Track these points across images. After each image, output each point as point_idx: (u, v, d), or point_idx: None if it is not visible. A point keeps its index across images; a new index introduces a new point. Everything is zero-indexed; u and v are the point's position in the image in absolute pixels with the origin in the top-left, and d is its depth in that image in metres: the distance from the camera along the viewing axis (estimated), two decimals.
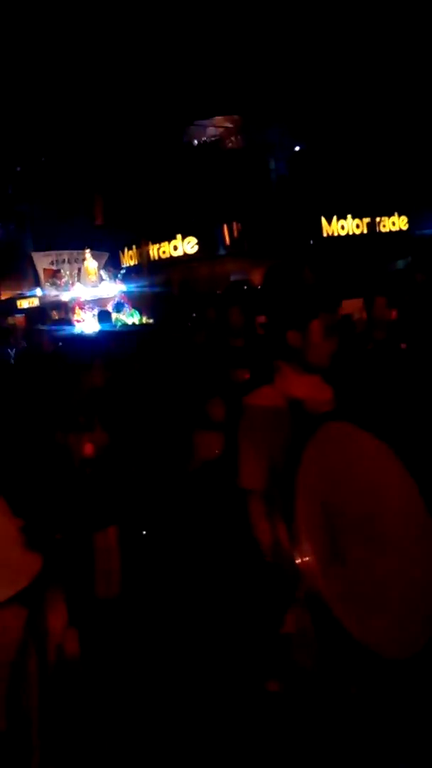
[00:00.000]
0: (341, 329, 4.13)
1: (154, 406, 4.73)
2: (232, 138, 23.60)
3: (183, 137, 23.79)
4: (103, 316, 9.69)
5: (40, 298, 17.98)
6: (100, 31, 21.45)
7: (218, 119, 23.66)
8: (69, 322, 8.67)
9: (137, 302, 13.01)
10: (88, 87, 21.36)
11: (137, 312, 11.88)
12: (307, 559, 1.70)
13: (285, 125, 22.63)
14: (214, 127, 23.71)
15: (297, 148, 23.41)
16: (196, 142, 23.85)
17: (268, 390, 2.16)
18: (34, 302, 17.81)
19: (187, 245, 21.21)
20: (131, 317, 11.47)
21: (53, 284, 14.85)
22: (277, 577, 1.93)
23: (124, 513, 3.68)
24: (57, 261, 18.12)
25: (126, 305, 12.47)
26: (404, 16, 20.42)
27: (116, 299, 12.86)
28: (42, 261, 19.08)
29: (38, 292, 18.97)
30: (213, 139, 23.76)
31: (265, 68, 21.63)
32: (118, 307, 11.56)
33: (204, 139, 23.83)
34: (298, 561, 1.71)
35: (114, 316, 10.58)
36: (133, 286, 14.57)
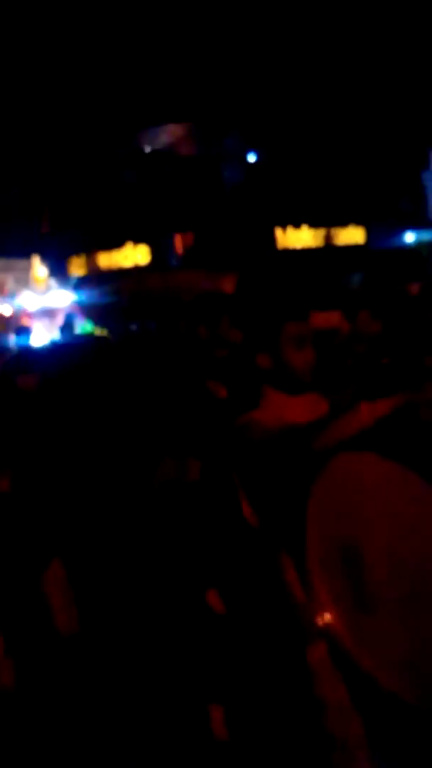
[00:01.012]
0: (318, 339, 3.82)
1: (104, 424, 4.56)
2: (185, 145, 23.13)
3: (134, 143, 23.22)
4: (65, 328, 9.25)
5: None
6: (52, 35, 20.85)
7: (171, 126, 23.18)
8: (26, 330, 8.12)
9: (91, 313, 12.42)
10: (39, 89, 20.67)
11: (90, 323, 11.30)
12: (327, 612, 1.54)
13: (239, 133, 22.33)
14: (167, 133, 23.21)
15: (252, 158, 23.09)
16: (148, 148, 23.31)
17: (257, 416, 1.95)
18: None
19: (138, 255, 20.69)
20: (84, 329, 10.93)
21: None
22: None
23: (66, 543, 3.28)
24: None
25: (78, 316, 11.87)
26: (357, 22, 20.38)
27: (67, 310, 12.27)
28: None
29: None
30: (166, 145, 23.26)
31: (219, 75, 21.32)
32: (71, 318, 10.99)
33: (157, 145, 23.32)
34: (314, 611, 1.56)
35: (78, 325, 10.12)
36: (85, 295, 13.87)
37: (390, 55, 20.50)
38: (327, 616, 1.53)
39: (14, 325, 11.76)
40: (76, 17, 21.36)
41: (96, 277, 19.53)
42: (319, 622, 1.53)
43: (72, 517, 3.43)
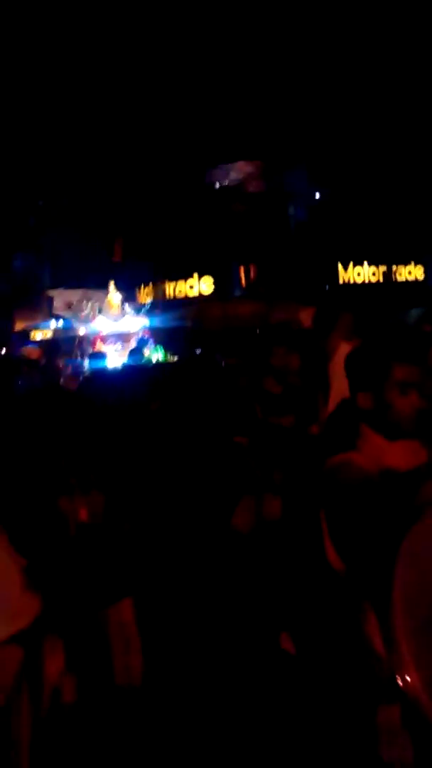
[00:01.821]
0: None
1: (178, 458, 4.50)
2: (254, 182, 23.99)
3: (205, 179, 24.21)
4: (135, 352, 9.72)
5: (54, 331, 18.09)
6: (130, 74, 22.07)
7: (240, 164, 24.09)
8: (100, 355, 8.62)
9: (160, 338, 13.02)
10: (117, 126, 21.89)
11: (161, 348, 11.89)
12: (408, 673, 1.41)
13: (306, 173, 22.98)
14: (237, 171, 24.12)
15: (317, 195, 23.74)
16: (218, 184, 24.26)
17: (355, 457, 1.84)
18: (48, 334, 17.92)
19: (203, 285, 21.41)
20: (155, 353, 11.49)
21: (74, 316, 14.97)
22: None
23: (139, 583, 3.24)
24: (72, 300, 18.42)
25: (150, 340, 12.45)
26: (420, 64, 20.85)
27: (140, 334, 12.85)
28: (58, 297, 19.29)
29: (52, 324, 19.10)
30: (235, 182, 24.16)
31: (289, 117, 22.13)
32: (142, 343, 11.56)
33: (226, 182, 24.24)
34: (397, 674, 1.43)
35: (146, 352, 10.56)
36: (156, 321, 14.48)
37: None
38: (407, 677, 1.41)
39: (88, 347, 12.45)
40: (156, 58, 22.54)
41: (163, 304, 20.23)
42: (398, 682, 1.42)
43: (146, 553, 3.33)
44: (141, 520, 3.38)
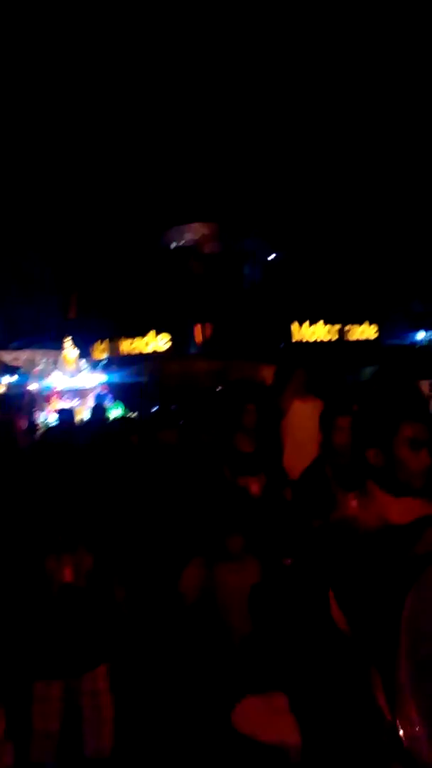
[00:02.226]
0: None
1: (155, 520, 4.38)
2: (209, 243, 24.44)
3: (161, 240, 24.57)
4: (96, 409, 9.53)
5: (7, 386, 17.68)
6: (86, 129, 22.45)
7: (196, 225, 24.57)
8: (67, 412, 8.36)
9: (118, 394, 12.83)
10: (73, 184, 22.10)
11: (120, 404, 11.67)
12: (413, 734, 1.38)
13: (261, 235, 23.55)
14: (192, 231, 24.57)
15: (272, 256, 24.28)
16: (174, 244, 24.63)
17: (360, 513, 1.89)
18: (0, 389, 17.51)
19: (160, 341, 21.48)
20: (114, 409, 11.26)
21: (27, 371, 14.66)
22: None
23: (116, 650, 3.18)
24: (25, 356, 18.12)
25: (108, 396, 12.25)
26: (372, 131, 21.84)
27: (97, 390, 12.66)
28: (4, 356, 18.94)
29: (5, 379, 18.69)
30: (190, 242, 24.59)
31: (243, 182, 22.76)
32: (101, 399, 11.35)
33: (182, 242, 24.65)
34: (401, 731, 1.40)
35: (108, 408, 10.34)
36: (113, 377, 14.33)
37: (404, 165, 21.84)
38: (414, 739, 1.37)
39: (42, 404, 12.14)
40: (115, 118, 23.04)
41: (119, 360, 20.17)
42: (405, 743, 1.38)
43: (125, 620, 3.31)
44: (122, 583, 3.31)
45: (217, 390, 11.84)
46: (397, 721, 1.40)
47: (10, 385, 17.58)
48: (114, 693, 3.11)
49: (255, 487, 4.29)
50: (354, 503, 3.49)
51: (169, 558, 3.93)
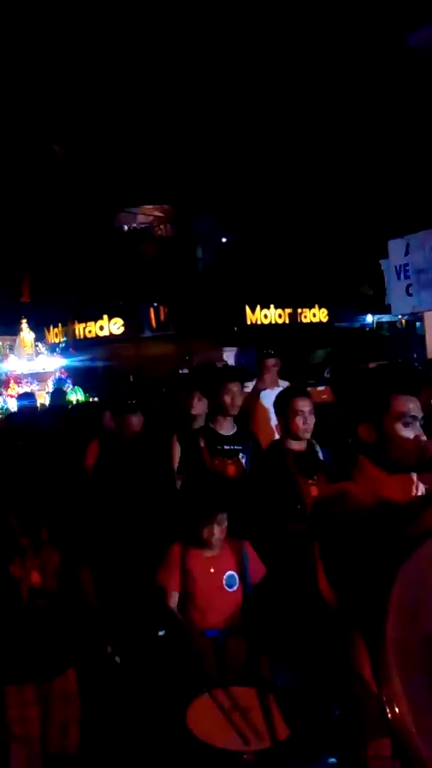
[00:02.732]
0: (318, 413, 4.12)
1: (126, 508, 4.24)
2: (162, 226, 24.44)
3: (113, 222, 24.44)
4: (56, 393, 9.40)
5: None
6: (41, 112, 22.08)
7: (148, 208, 24.52)
8: (29, 396, 8.25)
9: (77, 378, 12.74)
10: (25, 168, 21.76)
11: (79, 389, 11.62)
12: (398, 706, 1.35)
13: (213, 217, 23.64)
14: (145, 214, 24.51)
15: (224, 240, 24.44)
16: (126, 227, 24.53)
17: (351, 488, 1.82)
18: None
19: (113, 326, 21.48)
20: (74, 393, 11.19)
21: None
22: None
23: (86, 652, 3.15)
24: None
25: (68, 381, 12.16)
26: (324, 115, 22.06)
27: (56, 374, 12.52)
28: None
29: None
30: (143, 225, 24.53)
31: (196, 163, 22.78)
32: (60, 383, 11.28)
33: (134, 225, 24.56)
34: (386, 708, 1.36)
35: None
36: (74, 361, 14.13)
37: (353, 151, 22.16)
38: (397, 711, 1.35)
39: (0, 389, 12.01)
40: (75, 99, 22.69)
41: (76, 344, 20.09)
42: (388, 716, 1.36)
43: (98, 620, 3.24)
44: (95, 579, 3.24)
45: (181, 372, 11.98)
46: (383, 695, 1.37)
47: None
48: (81, 695, 3.09)
49: (232, 471, 4.13)
50: (314, 489, 3.63)
51: (144, 548, 3.86)
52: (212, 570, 3.41)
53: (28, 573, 2.93)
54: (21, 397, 8.31)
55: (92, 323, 21.55)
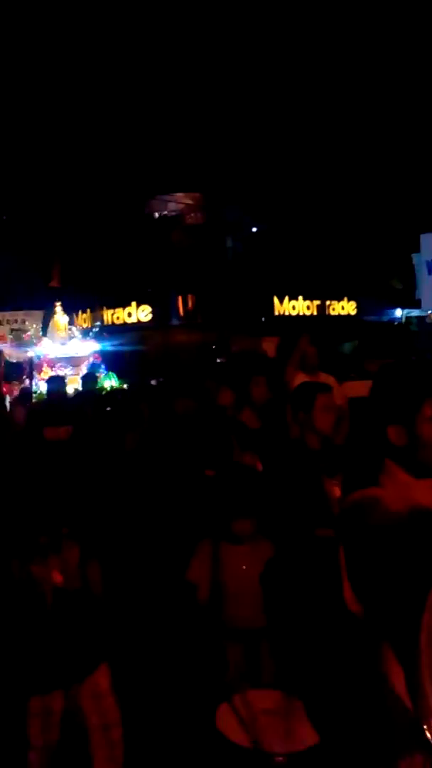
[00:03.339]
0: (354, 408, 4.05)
1: (152, 504, 4.12)
2: (192, 214, 24.40)
3: (144, 209, 24.46)
4: (88, 378, 9.33)
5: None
6: (72, 99, 22.16)
7: (180, 195, 24.48)
8: (59, 379, 8.11)
9: (110, 364, 12.66)
10: (57, 154, 21.87)
11: (114, 375, 11.56)
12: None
13: (244, 206, 23.57)
14: (176, 202, 24.49)
15: (254, 229, 24.35)
16: (157, 215, 24.54)
17: (380, 494, 1.73)
18: None
19: (141, 313, 21.54)
20: (108, 380, 11.12)
21: (17, 339, 14.30)
22: None
23: (116, 650, 3.04)
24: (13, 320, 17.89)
25: (102, 366, 12.07)
26: (357, 109, 21.90)
27: (90, 359, 12.43)
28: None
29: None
30: (173, 213, 24.51)
31: (229, 151, 22.72)
32: (94, 368, 11.19)
33: (165, 212, 24.56)
34: (422, 722, 1.34)
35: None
36: (107, 346, 13.92)
37: (387, 144, 21.98)
38: None
39: (34, 373, 11.92)
40: (98, 86, 22.72)
41: (107, 330, 20.10)
42: (423, 732, 1.32)
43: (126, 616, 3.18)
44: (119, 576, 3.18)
45: (218, 362, 11.80)
46: (419, 710, 1.33)
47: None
48: (116, 692, 2.97)
49: (261, 466, 4.01)
50: (336, 490, 3.38)
51: (173, 543, 3.73)
52: (245, 566, 3.34)
53: (50, 573, 2.84)
54: (50, 380, 8.11)
55: (120, 310, 21.62)
